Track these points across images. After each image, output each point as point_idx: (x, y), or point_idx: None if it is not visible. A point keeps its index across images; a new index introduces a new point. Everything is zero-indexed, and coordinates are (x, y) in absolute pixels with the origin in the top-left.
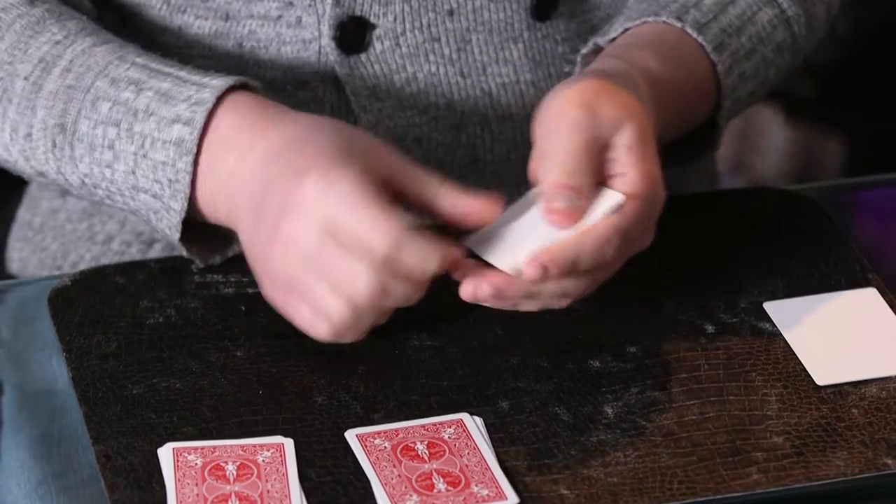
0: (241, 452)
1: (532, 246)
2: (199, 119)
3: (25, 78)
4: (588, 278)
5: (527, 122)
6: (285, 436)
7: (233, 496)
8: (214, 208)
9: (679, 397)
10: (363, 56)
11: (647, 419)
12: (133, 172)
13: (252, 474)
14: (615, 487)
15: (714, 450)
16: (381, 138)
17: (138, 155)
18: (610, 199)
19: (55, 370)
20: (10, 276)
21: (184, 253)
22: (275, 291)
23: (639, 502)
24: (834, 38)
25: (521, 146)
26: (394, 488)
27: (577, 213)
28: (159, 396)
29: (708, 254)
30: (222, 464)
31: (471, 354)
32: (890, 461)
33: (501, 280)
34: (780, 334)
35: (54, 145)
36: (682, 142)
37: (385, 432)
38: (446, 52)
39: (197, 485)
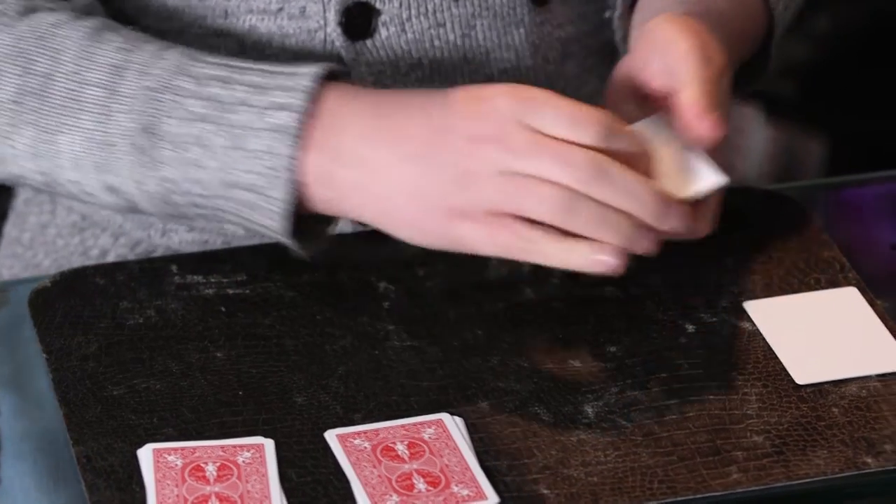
0: (221, 453)
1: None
2: (299, 103)
3: (97, 85)
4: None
5: None
6: (265, 436)
7: (213, 497)
8: (331, 184)
9: (659, 397)
10: (369, 42)
11: (628, 419)
12: (226, 167)
13: (232, 475)
14: (595, 487)
15: (694, 449)
16: None
17: (233, 148)
18: (710, 179)
19: (40, 371)
20: None
21: (289, 244)
22: (480, 226)
23: (619, 502)
24: (814, 38)
25: None
26: (374, 488)
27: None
28: (139, 397)
29: (688, 253)
30: (202, 464)
31: (451, 355)
32: (870, 460)
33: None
34: (761, 333)
35: (136, 148)
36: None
37: (365, 432)
38: (451, 37)
39: (177, 486)
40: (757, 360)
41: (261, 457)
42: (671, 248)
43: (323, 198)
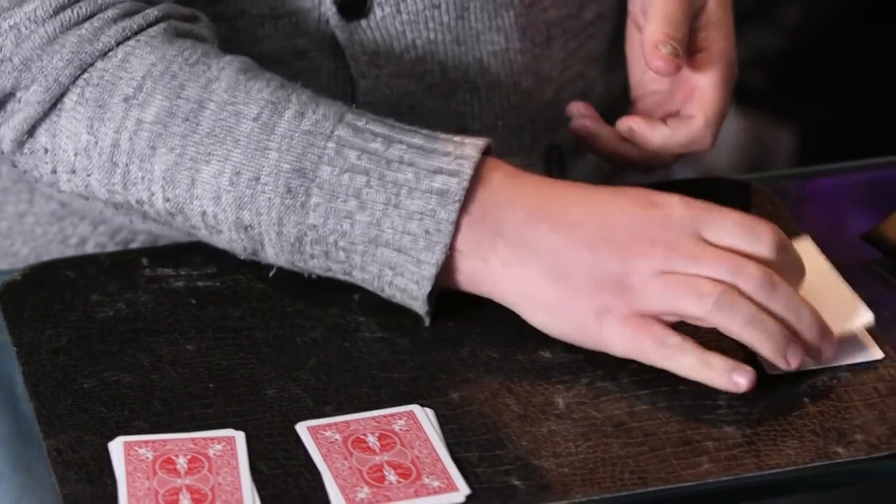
0: (192, 446)
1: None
2: (467, 171)
3: (254, 119)
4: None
5: (514, 91)
6: (236, 429)
7: (184, 489)
8: (482, 256)
9: (630, 387)
10: (363, 22)
11: (598, 409)
12: (378, 223)
13: (203, 467)
14: (566, 478)
15: (665, 439)
16: (377, 105)
17: (389, 205)
18: (865, 317)
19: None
20: None
21: (421, 311)
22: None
23: (590, 492)
24: (784, 28)
25: (508, 114)
26: (345, 480)
27: (679, 64)
28: (110, 390)
29: None
30: (173, 457)
31: (421, 346)
32: (840, 450)
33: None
34: None
35: (288, 190)
36: None
37: (336, 424)
38: (445, 19)
39: (148, 478)
40: (728, 350)
41: (232, 449)
42: None
43: (469, 269)
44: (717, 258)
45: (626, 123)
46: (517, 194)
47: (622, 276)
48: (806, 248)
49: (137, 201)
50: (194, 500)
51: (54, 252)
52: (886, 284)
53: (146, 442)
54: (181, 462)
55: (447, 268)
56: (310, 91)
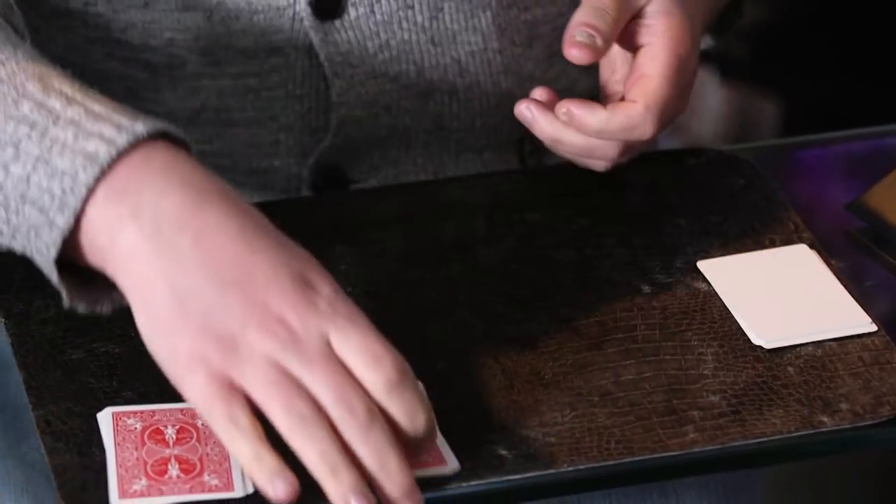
0: (180, 416)
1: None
2: (123, 141)
3: None
4: (620, 146)
5: (493, 90)
6: None
7: (173, 459)
8: (111, 236)
9: (615, 357)
10: (337, 22)
11: (584, 379)
12: (27, 178)
13: (191, 438)
14: (553, 448)
15: (651, 409)
16: (351, 105)
17: (40, 160)
18: (862, 327)
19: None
20: None
21: (55, 282)
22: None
23: (577, 462)
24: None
25: (487, 114)
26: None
27: (597, 52)
28: (99, 361)
29: (643, 214)
30: (162, 427)
31: (408, 317)
32: (825, 419)
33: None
34: (716, 293)
35: None
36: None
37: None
38: (419, 19)
39: (137, 448)
40: (713, 320)
41: None
42: (626, 210)
43: (96, 244)
44: (330, 377)
45: (564, 106)
46: (176, 186)
47: (236, 340)
48: (804, 255)
49: None
50: (183, 470)
51: None
52: (870, 254)
53: (135, 412)
54: (170, 432)
55: (77, 237)
56: (37, 52)
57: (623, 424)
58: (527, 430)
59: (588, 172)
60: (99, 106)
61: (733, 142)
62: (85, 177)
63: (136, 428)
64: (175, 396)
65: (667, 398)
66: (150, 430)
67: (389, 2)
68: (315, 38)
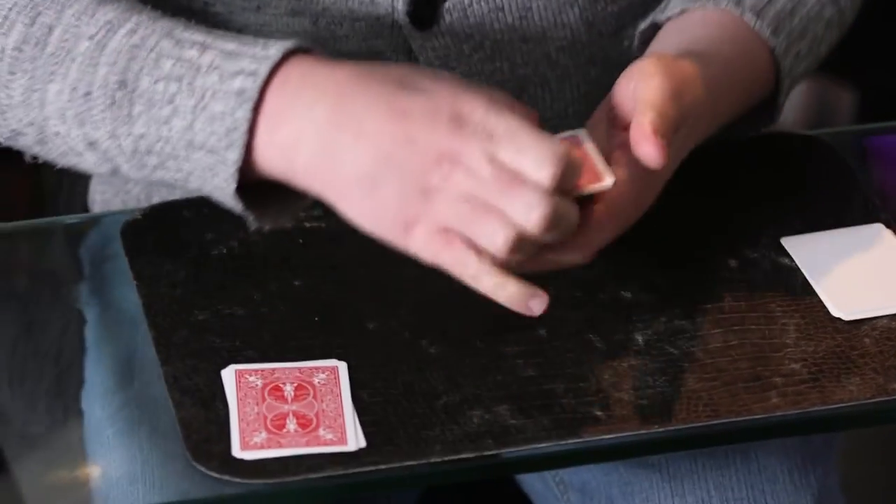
0: (298, 374)
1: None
2: (264, 70)
3: (90, 38)
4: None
5: (583, 79)
6: (339, 359)
7: (291, 415)
8: (288, 159)
9: (704, 326)
10: (434, 28)
11: (675, 346)
12: (191, 127)
13: (308, 395)
14: (644, 410)
15: (736, 375)
16: None
17: (198, 108)
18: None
19: (132, 301)
20: None
21: (238, 210)
22: (415, 230)
23: (667, 423)
24: None
25: (578, 102)
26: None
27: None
28: (223, 322)
29: (731, 194)
30: (281, 385)
31: None
32: None
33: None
34: (798, 268)
35: (113, 102)
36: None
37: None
38: (509, 20)
39: (257, 404)
40: (795, 292)
41: (335, 378)
42: (714, 190)
43: (277, 169)
44: (507, 192)
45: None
46: (317, 99)
47: (426, 193)
48: (881, 233)
49: (12, 131)
50: (300, 424)
51: (164, 192)
52: None
53: (256, 370)
54: (288, 389)
55: (256, 166)
56: (159, 12)
57: (710, 389)
58: (620, 393)
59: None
60: (231, 44)
61: (812, 128)
62: (242, 112)
63: (257, 385)
64: (294, 355)
65: (751, 365)
66: (270, 386)
67: (481, 5)
68: (414, 45)
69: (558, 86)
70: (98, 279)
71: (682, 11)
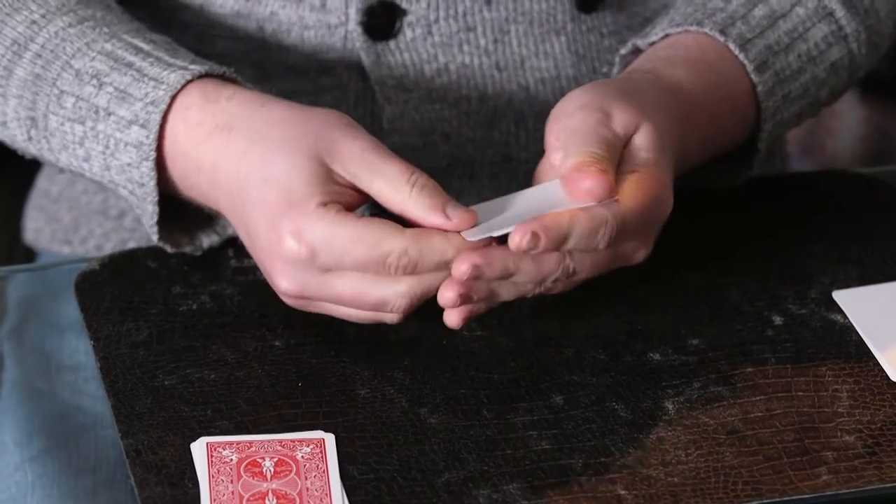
0: (279, 448)
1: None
2: (155, 120)
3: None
4: (568, 267)
5: None
6: (326, 430)
7: (270, 494)
8: (198, 198)
9: (744, 393)
10: (391, 43)
11: (710, 416)
12: (108, 169)
13: (291, 471)
14: (676, 488)
15: (781, 449)
16: (405, 132)
17: (107, 154)
18: None
19: (77, 354)
20: (26, 247)
21: (168, 248)
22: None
23: None
24: None
25: None
26: None
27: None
28: (192, 388)
29: (775, 240)
30: (259, 460)
31: (523, 346)
32: None
33: (478, 255)
34: (853, 326)
35: (30, 138)
36: (717, 160)
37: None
38: (482, 42)
39: (232, 482)
40: (848, 354)
41: (321, 452)
42: (757, 236)
43: (193, 195)
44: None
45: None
46: (201, 162)
47: (270, 277)
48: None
49: None
50: None
51: (93, 222)
52: None
53: (230, 443)
54: (267, 465)
55: (181, 195)
56: (69, 18)
57: (751, 465)
58: (648, 469)
59: (714, 196)
60: (126, 76)
61: (872, 164)
62: (146, 168)
63: (231, 460)
64: (273, 426)
65: (798, 437)
66: (246, 462)
67: (450, 23)
68: (366, 60)
69: (535, 124)
70: (27, 328)
71: (666, 36)
